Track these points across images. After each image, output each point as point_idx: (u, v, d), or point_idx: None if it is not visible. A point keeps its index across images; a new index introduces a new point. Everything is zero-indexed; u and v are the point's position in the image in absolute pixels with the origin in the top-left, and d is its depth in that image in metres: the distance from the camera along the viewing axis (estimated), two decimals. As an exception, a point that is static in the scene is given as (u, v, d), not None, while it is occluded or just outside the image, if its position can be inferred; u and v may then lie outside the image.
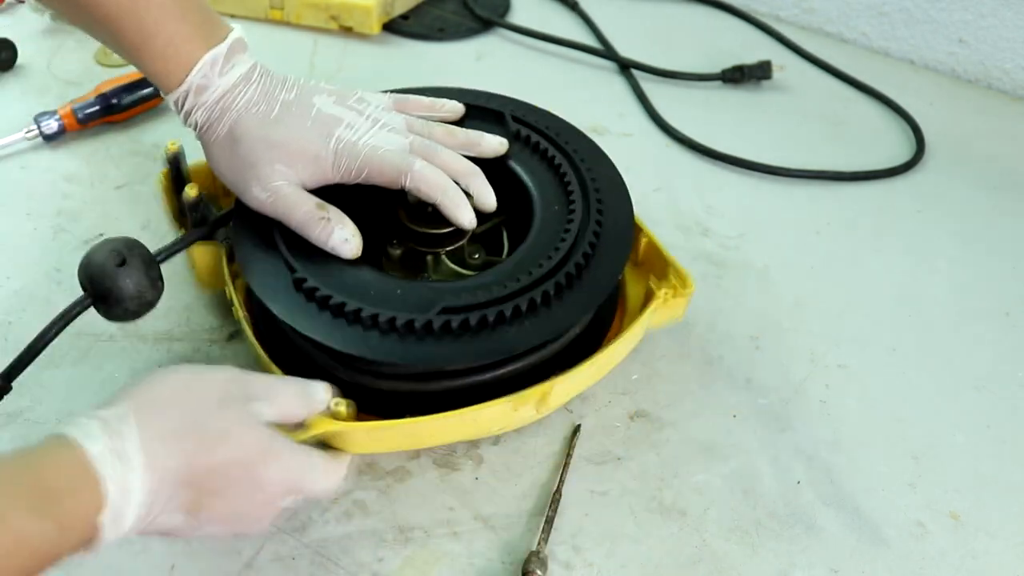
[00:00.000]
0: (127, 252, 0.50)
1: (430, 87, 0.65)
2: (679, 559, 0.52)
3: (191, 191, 0.60)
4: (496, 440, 0.57)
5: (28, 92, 0.81)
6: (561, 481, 0.54)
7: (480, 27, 0.95)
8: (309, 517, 0.52)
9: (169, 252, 0.55)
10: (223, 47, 0.55)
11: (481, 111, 0.63)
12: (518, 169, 0.60)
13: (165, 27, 0.54)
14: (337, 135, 0.55)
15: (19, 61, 0.84)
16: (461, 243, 0.58)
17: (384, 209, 0.59)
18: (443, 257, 0.59)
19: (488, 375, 0.53)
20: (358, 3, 0.89)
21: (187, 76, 0.54)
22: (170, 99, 0.56)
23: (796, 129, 0.85)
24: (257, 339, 0.55)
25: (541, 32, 0.93)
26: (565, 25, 0.97)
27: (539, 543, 0.51)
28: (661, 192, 0.77)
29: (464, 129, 0.60)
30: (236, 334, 0.62)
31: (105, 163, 0.75)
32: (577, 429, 0.57)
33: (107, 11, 0.54)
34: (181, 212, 0.62)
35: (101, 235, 0.68)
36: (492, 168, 0.58)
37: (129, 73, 0.78)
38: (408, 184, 0.54)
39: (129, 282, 0.50)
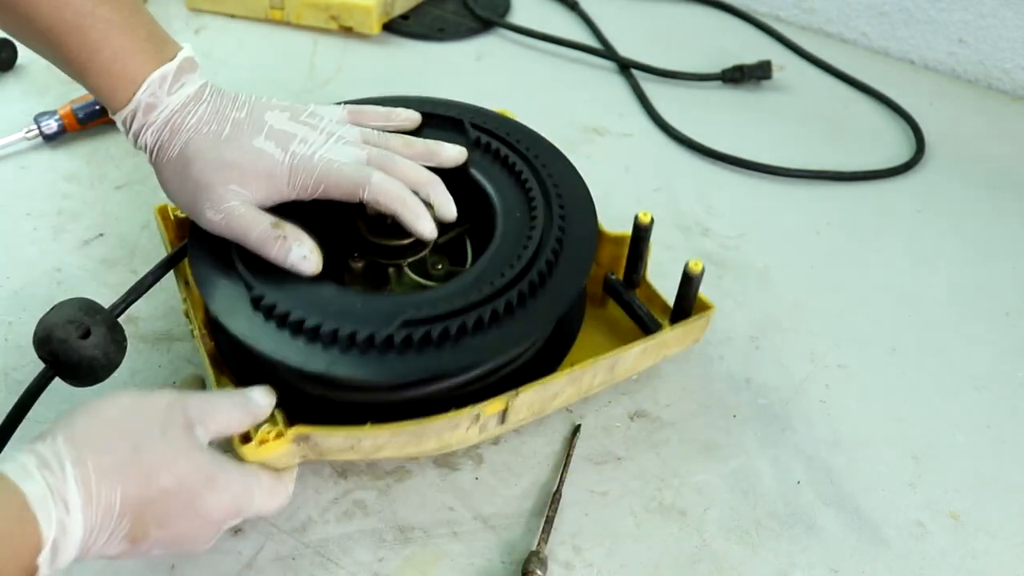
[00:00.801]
0: (89, 321, 0.49)
1: (388, 96, 0.63)
2: (679, 559, 0.52)
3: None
4: (496, 440, 0.57)
5: (28, 92, 0.81)
6: (561, 481, 0.54)
7: (480, 27, 0.95)
8: (309, 517, 0.52)
9: (126, 303, 0.54)
10: (172, 65, 0.53)
11: (440, 119, 0.61)
12: (479, 177, 0.59)
13: (111, 42, 0.52)
14: (291, 151, 0.53)
15: (19, 61, 0.84)
16: (423, 254, 0.57)
17: (344, 222, 0.57)
18: (405, 269, 0.57)
19: (459, 381, 0.52)
20: (358, 3, 0.89)
21: (135, 94, 0.52)
22: (118, 118, 0.54)
23: (796, 129, 0.85)
24: (221, 355, 0.54)
25: (541, 32, 0.93)
26: (565, 25, 0.97)
27: (539, 543, 0.51)
28: (661, 192, 0.77)
29: (422, 139, 0.58)
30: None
31: (105, 163, 0.75)
32: (577, 429, 0.57)
33: (49, 24, 0.51)
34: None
35: (101, 235, 0.68)
36: (453, 177, 0.57)
37: (129, 73, 0.78)
38: (366, 196, 0.52)
39: (98, 352, 0.49)
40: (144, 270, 0.56)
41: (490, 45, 0.94)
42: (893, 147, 0.84)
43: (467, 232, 0.60)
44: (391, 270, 0.57)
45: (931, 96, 0.90)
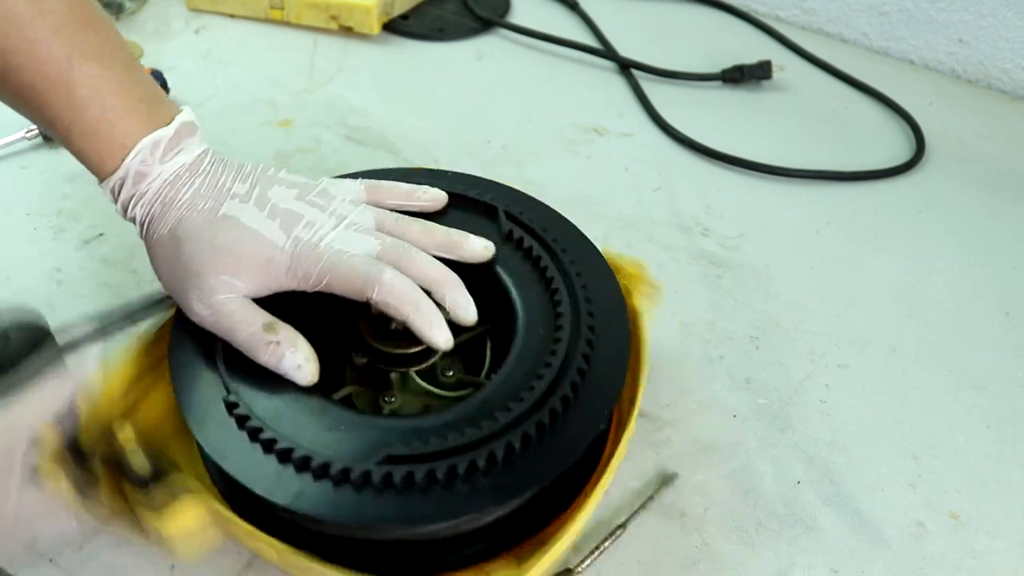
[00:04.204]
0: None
1: (420, 168, 0.58)
2: (679, 559, 0.52)
3: (123, 434, 0.45)
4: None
5: (28, 92, 0.81)
6: (629, 519, 0.52)
7: (480, 27, 0.95)
8: (309, 517, 0.52)
9: (80, 344, 0.48)
10: (168, 129, 0.48)
11: (470, 202, 0.55)
12: (505, 278, 0.52)
13: (99, 100, 0.47)
14: (295, 235, 0.48)
15: (19, 61, 0.84)
16: (431, 362, 0.51)
17: (347, 313, 0.51)
18: (412, 374, 0.52)
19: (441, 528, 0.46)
20: (358, 3, 0.89)
21: (123, 160, 0.48)
22: (105, 187, 0.49)
23: (796, 129, 0.85)
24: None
25: (541, 32, 0.93)
26: (565, 25, 0.97)
27: (579, 563, 0.49)
28: (661, 192, 0.77)
29: (445, 228, 0.52)
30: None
31: (105, 163, 0.75)
32: (670, 479, 0.54)
33: (29, 79, 0.46)
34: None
35: (101, 235, 0.68)
36: (476, 270, 0.51)
37: (129, 73, 0.78)
38: (375, 297, 0.47)
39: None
40: (144, 270, 0.56)
41: (490, 45, 0.94)
42: (893, 147, 0.84)
43: (489, 333, 0.54)
44: (394, 376, 0.52)
45: (931, 96, 0.90)
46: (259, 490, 0.43)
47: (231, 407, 0.46)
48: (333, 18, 0.91)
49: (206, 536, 0.44)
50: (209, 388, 0.47)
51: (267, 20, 0.93)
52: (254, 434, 0.44)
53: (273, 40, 0.91)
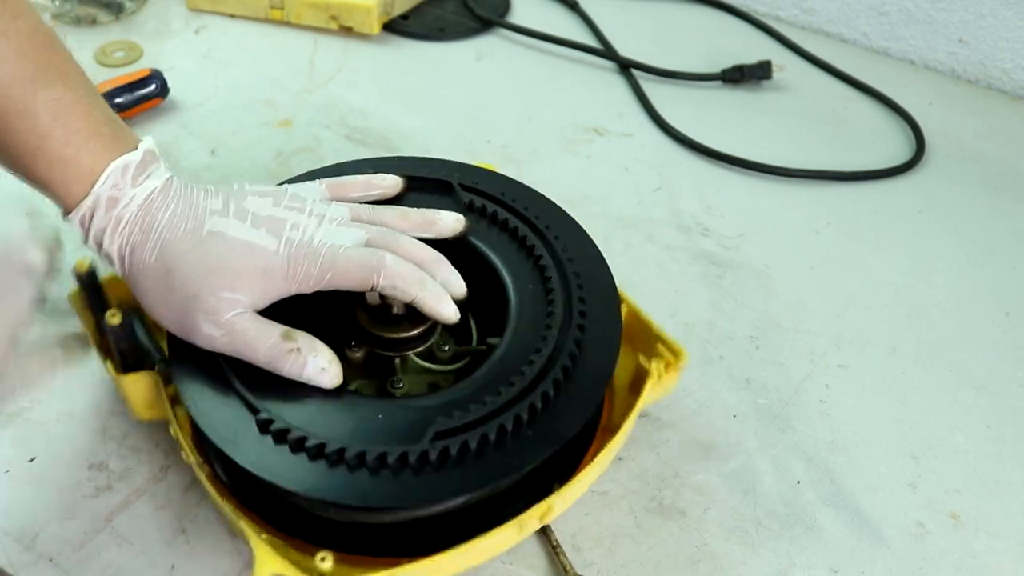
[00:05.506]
0: None
1: (365, 159, 0.59)
2: (679, 559, 0.52)
3: (112, 318, 0.47)
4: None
5: (28, 92, 0.81)
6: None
7: (480, 27, 0.95)
8: (309, 517, 0.52)
9: None
10: (136, 154, 0.47)
11: (424, 182, 0.56)
12: (480, 245, 0.53)
13: (64, 124, 0.45)
14: (286, 239, 0.47)
15: (19, 61, 0.83)
16: (432, 341, 0.52)
17: (339, 310, 0.52)
18: (411, 356, 0.53)
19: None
20: (358, 3, 0.89)
21: (93, 186, 0.46)
22: (74, 219, 0.47)
23: (796, 129, 0.85)
24: (217, 482, 0.48)
25: (541, 32, 0.93)
26: (565, 25, 0.97)
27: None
28: (661, 192, 0.77)
29: (417, 209, 0.53)
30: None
31: (105, 163, 0.75)
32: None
33: None
34: (103, 334, 0.51)
35: (101, 235, 0.68)
36: (451, 248, 0.52)
37: (129, 73, 0.78)
38: (381, 282, 0.47)
39: None
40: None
41: (490, 45, 0.94)
42: (893, 147, 0.84)
43: (469, 306, 0.54)
44: (396, 361, 0.53)
45: (931, 96, 0.90)
46: (329, 497, 0.43)
47: (265, 425, 0.45)
48: (333, 18, 0.91)
49: None
50: (233, 410, 0.46)
51: (267, 20, 0.93)
52: (297, 445, 0.44)
53: (273, 40, 0.91)
